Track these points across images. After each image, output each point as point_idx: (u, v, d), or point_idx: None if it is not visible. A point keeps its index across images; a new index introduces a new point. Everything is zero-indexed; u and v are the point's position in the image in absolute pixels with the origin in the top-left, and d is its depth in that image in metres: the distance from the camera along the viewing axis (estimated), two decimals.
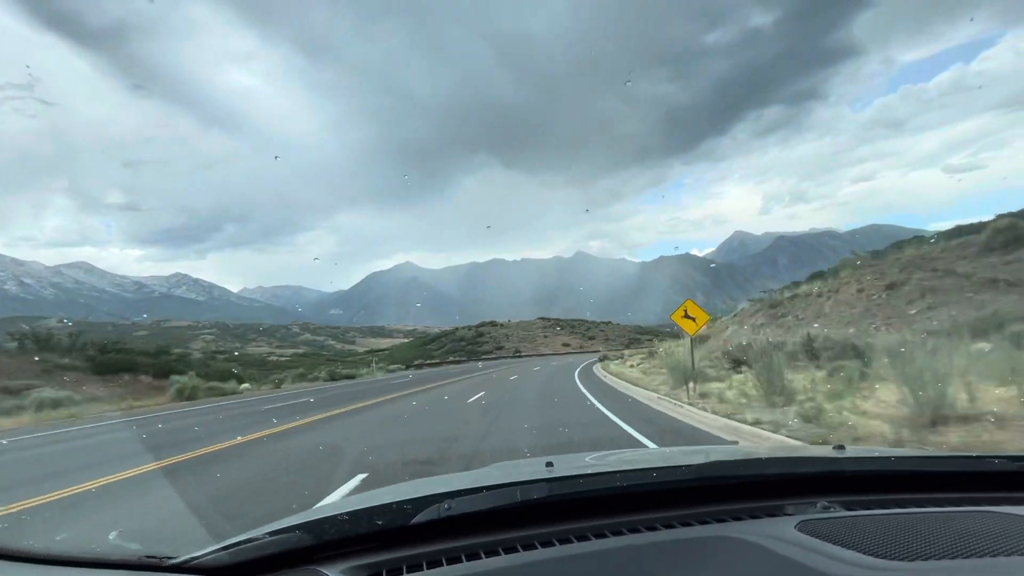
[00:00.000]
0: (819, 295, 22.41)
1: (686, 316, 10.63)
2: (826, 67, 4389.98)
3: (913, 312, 15.93)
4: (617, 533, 1.09)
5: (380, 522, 1.15)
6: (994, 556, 0.88)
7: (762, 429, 6.56)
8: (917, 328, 12.82)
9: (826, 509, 1.18)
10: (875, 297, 18.68)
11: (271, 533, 1.14)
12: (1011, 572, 0.84)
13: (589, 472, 1.37)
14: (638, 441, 6.98)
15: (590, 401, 12.08)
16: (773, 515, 1.17)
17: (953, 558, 0.88)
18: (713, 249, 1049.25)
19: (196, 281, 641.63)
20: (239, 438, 8.89)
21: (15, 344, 27.93)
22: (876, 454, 1.71)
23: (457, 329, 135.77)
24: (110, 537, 3.79)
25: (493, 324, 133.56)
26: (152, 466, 6.70)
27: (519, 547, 1.06)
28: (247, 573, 1.10)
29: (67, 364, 24.26)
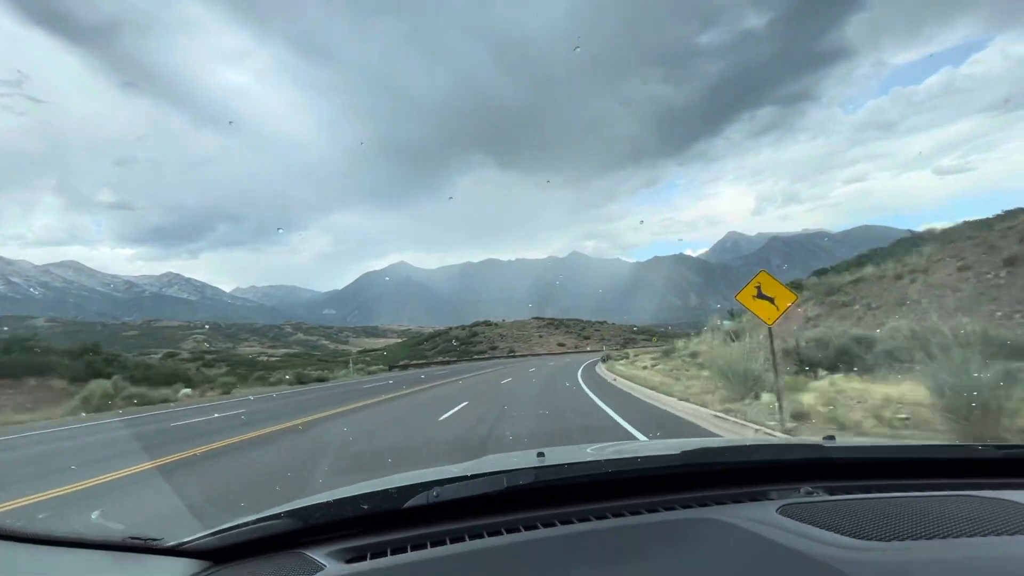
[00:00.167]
0: (897, 277, 18.33)
1: (759, 296, 7.32)
2: (819, 69, 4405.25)
3: None
4: (601, 517, 1.12)
5: (366, 507, 1.16)
6: (971, 536, 0.89)
7: None
8: None
9: (809, 494, 1.20)
10: (989, 276, 14.93)
11: (258, 519, 1.15)
12: (988, 552, 0.86)
13: (576, 460, 1.39)
14: None
15: (613, 419, 8.91)
16: (756, 500, 1.18)
17: (930, 538, 0.89)
18: (707, 249, 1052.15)
19: (188, 280, 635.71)
20: None
21: None
22: (863, 443, 1.73)
23: (451, 329, 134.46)
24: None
25: (487, 324, 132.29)
26: None
27: (503, 530, 1.08)
28: (233, 557, 1.11)
29: None
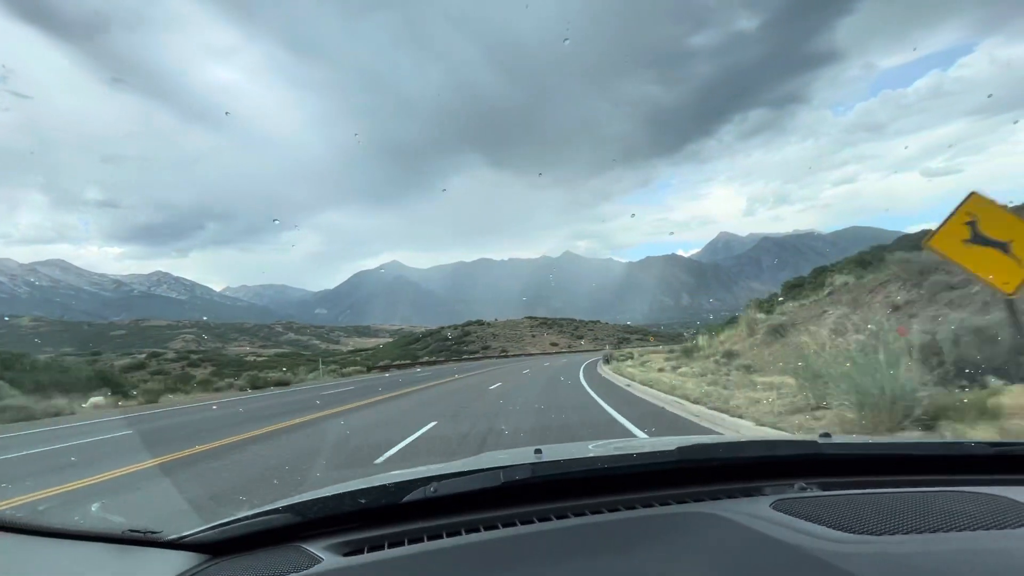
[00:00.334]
0: None
1: (977, 241, 4.44)
2: (809, 71, 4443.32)
3: None
4: (597, 512, 1.13)
5: (364, 501, 1.18)
6: (962, 531, 0.90)
7: None
8: None
9: (803, 490, 1.21)
10: None
11: (257, 513, 1.17)
12: (980, 545, 0.87)
13: (572, 456, 1.41)
14: None
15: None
16: (750, 495, 1.20)
17: (922, 532, 0.90)
18: (699, 250, 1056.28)
19: (177, 280, 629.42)
20: None
21: None
22: (857, 440, 1.75)
23: (443, 328, 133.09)
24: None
25: (480, 323, 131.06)
26: None
27: (499, 525, 1.09)
28: (231, 550, 1.12)
29: None
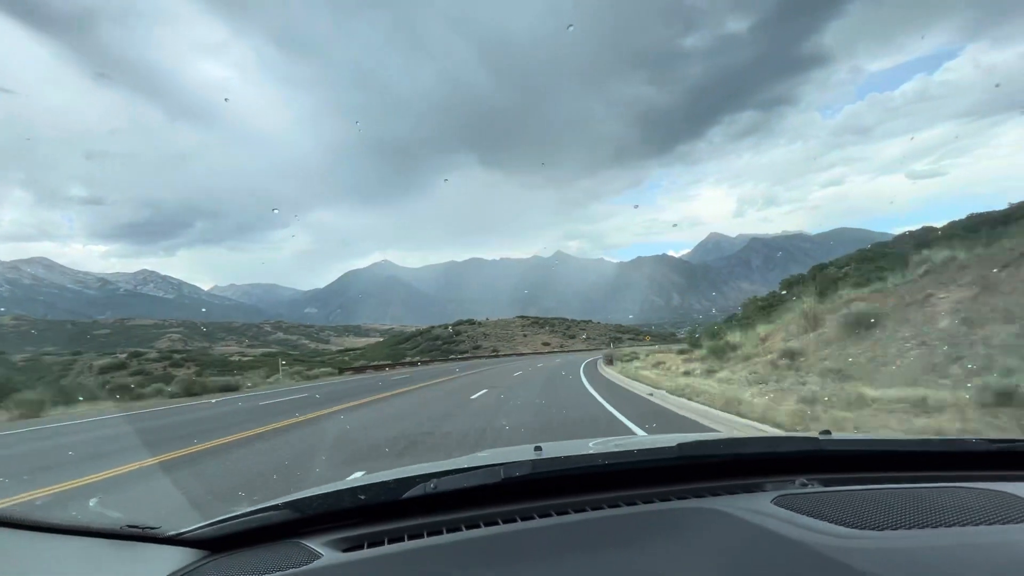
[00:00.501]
0: None
1: None
2: (798, 73, 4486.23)
3: None
4: (597, 508, 1.14)
5: (364, 498, 1.18)
6: (963, 525, 0.90)
7: None
8: None
9: (804, 486, 1.21)
10: None
11: (257, 510, 1.17)
12: (981, 539, 0.87)
13: (572, 453, 1.41)
14: None
15: None
16: (751, 491, 1.20)
17: (923, 527, 0.90)
18: (689, 250, 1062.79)
19: (164, 278, 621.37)
20: None
21: None
22: (858, 437, 1.75)
23: (433, 328, 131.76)
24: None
25: (471, 323, 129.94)
26: None
27: (500, 521, 1.10)
28: (230, 546, 1.12)
29: None
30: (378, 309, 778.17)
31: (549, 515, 1.11)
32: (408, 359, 67.72)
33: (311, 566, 0.97)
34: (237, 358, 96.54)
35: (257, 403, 16.29)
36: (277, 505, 1.17)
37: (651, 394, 11.44)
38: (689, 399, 9.43)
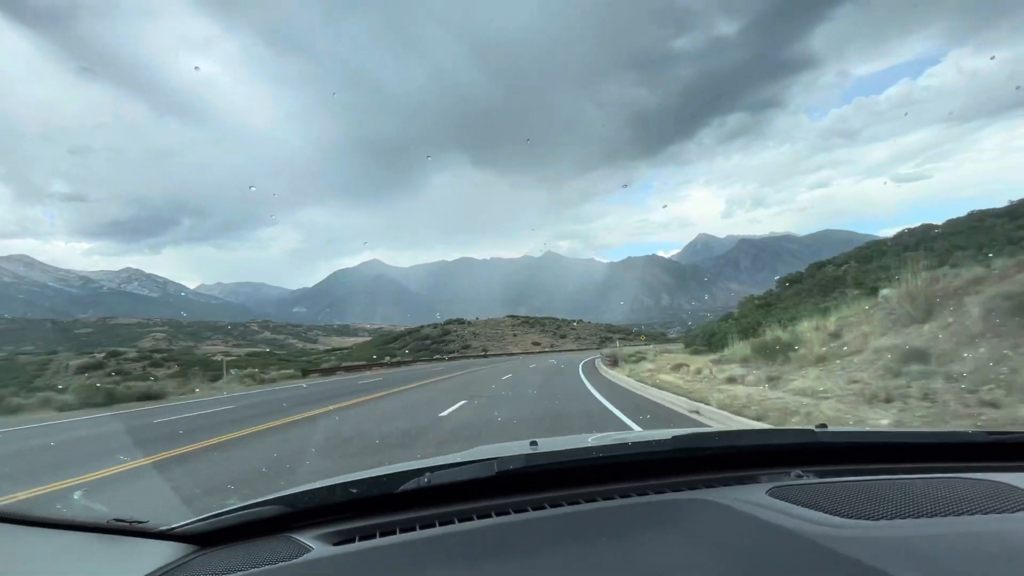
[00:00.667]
0: None
1: None
2: (786, 76, 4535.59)
3: None
4: (591, 500, 1.14)
5: (356, 491, 1.17)
6: (959, 515, 0.90)
7: None
8: None
9: (799, 477, 1.21)
10: None
11: (247, 505, 1.17)
12: (977, 528, 0.87)
13: (567, 447, 1.40)
14: None
15: None
16: (746, 483, 1.20)
17: (918, 517, 0.90)
18: (678, 251, 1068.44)
19: (149, 277, 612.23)
20: None
21: None
22: (854, 429, 1.70)
23: (422, 327, 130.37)
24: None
25: (460, 322, 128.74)
26: None
27: (493, 514, 1.09)
28: (220, 541, 1.12)
29: None
30: (367, 308, 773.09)
31: (543, 508, 1.10)
32: (388, 360, 60.06)
33: (300, 559, 0.96)
34: (220, 358, 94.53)
35: (151, 420, 12.40)
36: (268, 500, 1.16)
37: (696, 412, 8.73)
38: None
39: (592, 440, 1.58)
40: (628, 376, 16.22)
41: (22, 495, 6.02)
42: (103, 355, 76.88)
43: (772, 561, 0.81)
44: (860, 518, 0.90)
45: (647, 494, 1.16)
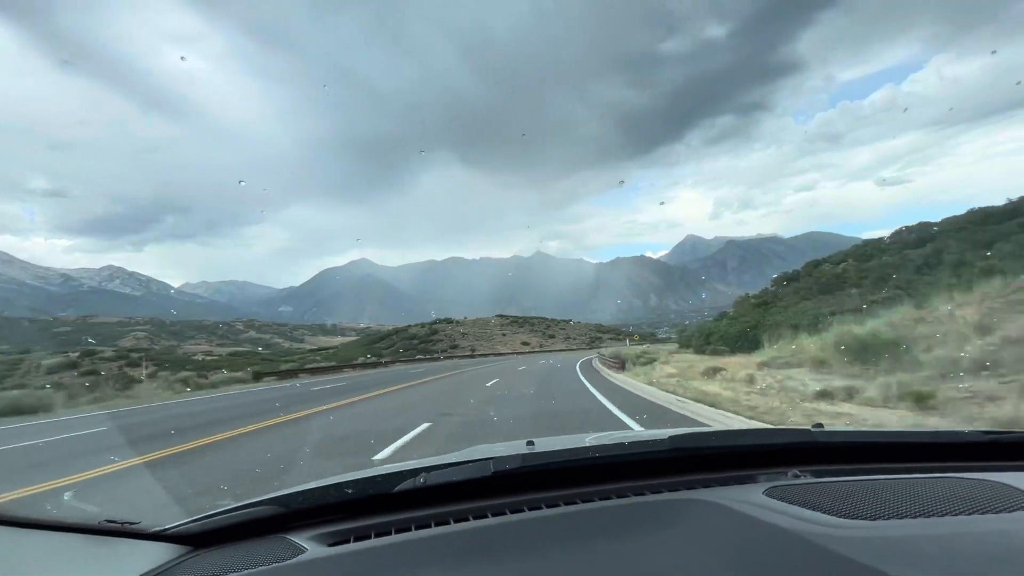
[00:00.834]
0: None
1: None
2: (773, 80, 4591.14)
3: None
4: (588, 501, 1.14)
5: (351, 492, 1.17)
6: (957, 515, 0.90)
7: None
8: None
9: (796, 477, 1.22)
10: None
11: (241, 506, 1.16)
12: (974, 528, 0.87)
13: (564, 447, 1.40)
14: None
15: None
16: (743, 483, 1.20)
17: (916, 517, 0.90)
18: (667, 252, 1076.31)
19: (132, 275, 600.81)
20: None
21: None
22: (851, 429, 1.74)
23: (409, 327, 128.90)
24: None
25: (448, 321, 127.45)
26: None
27: (489, 514, 1.09)
28: (214, 542, 1.11)
29: None
30: (355, 308, 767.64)
31: (539, 508, 1.10)
32: (362, 361, 54.52)
33: (294, 560, 0.96)
34: (201, 357, 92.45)
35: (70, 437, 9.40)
36: (262, 501, 1.15)
37: None
38: None
39: (589, 440, 1.57)
40: (648, 384, 12.88)
41: None
42: (77, 354, 74.70)
43: (770, 561, 0.81)
44: (858, 518, 0.90)
45: (644, 494, 1.15)
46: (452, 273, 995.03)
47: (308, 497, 1.16)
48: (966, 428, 1.33)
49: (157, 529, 1.12)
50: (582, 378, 16.98)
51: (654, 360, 20.99)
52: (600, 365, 23.57)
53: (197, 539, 1.11)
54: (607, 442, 1.45)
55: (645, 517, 1.03)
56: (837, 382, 9.30)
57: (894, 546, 0.80)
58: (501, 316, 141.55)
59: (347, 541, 1.02)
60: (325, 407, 12.06)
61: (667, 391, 10.94)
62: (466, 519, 1.07)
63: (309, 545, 1.01)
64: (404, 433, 7.50)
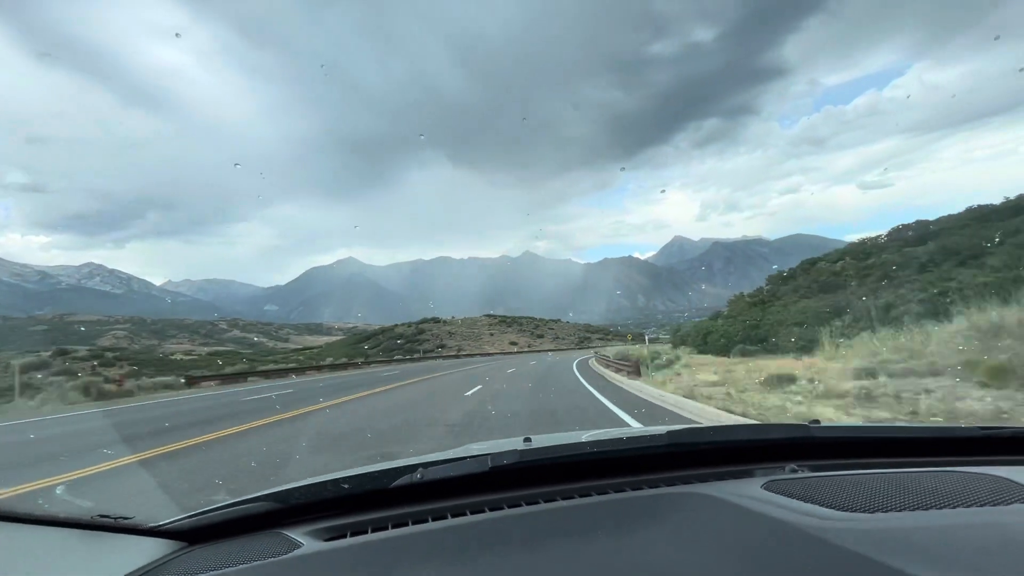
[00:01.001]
0: None
1: None
2: (760, 84, 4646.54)
3: None
4: (585, 496, 1.14)
5: (348, 487, 1.17)
6: (954, 507, 0.91)
7: None
8: None
9: (794, 472, 1.22)
10: None
11: (237, 501, 1.17)
12: (971, 520, 0.87)
13: (562, 443, 1.41)
14: None
15: None
16: (741, 478, 1.21)
17: (914, 510, 0.91)
18: (654, 253, 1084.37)
19: (112, 272, 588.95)
20: None
21: None
22: (848, 424, 1.73)
23: (396, 326, 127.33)
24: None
25: (436, 321, 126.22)
26: None
27: (486, 509, 1.09)
28: (209, 537, 1.11)
29: None
30: (342, 307, 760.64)
31: (536, 503, 1.10)
32: (331, 362, 46.51)
33: (290, 555, 0.95)
34: (179, 357, 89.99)
35: None
36: (257, 496, 1.15)
37: None
38: None
39: (587, 437, 1.56)
40: (687, 398, 9.80)
41: None
42: (48, 353, 72.09)
43: (766, 552, 0.82)
44: (855, 511, 0.91)
45: (641, 489, 1.16)
46: (440, 273, 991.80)
47: (304, 493, 1.16)
48: (963, 424, 1.23)
49: (151, 525, 1.11)
50: (588, 387, 14.08)
51: (673, 363, 17.84)
52: (603, 368, 20.55)
53: (191, 535, 1.11)
54: (605, 438, 1.44)
55: (642, 511, 1.03)
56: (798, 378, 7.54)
57: (891, 537, 0.81)
58: (489, 316, 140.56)
59: (343, 536, 1.02)
60: (238, 428, 8.63)
61: (719, 409, 8.02)
62: (463, 514, 1.07)
63: (305, 540, 1.01)
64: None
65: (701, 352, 22.88)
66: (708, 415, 7.98)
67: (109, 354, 76.33)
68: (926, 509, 0.90)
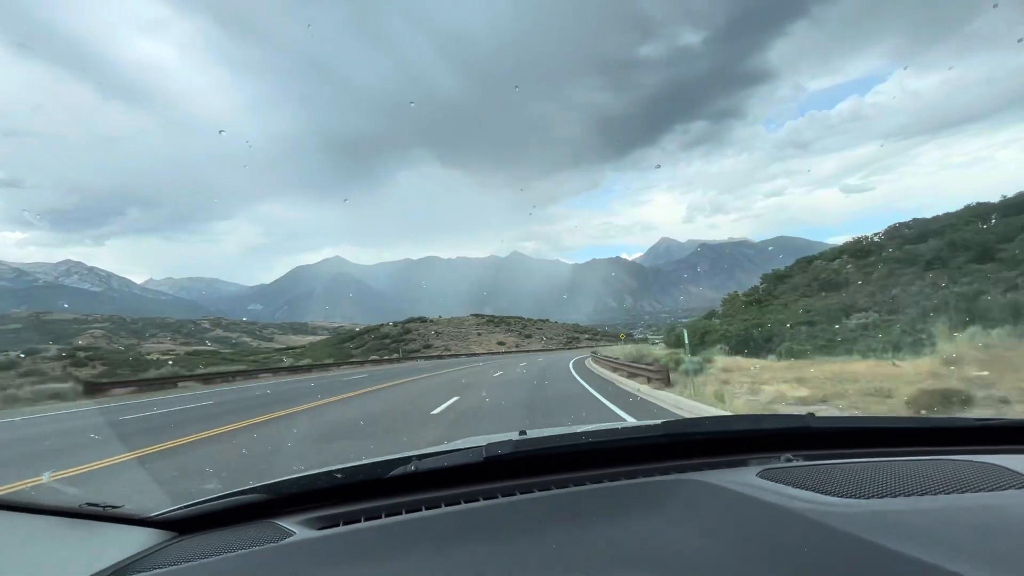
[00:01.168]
0: None
1: None
2: (746, 87, 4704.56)
3: None
4: (580, 485, 1.14)
5: (341, 477, 1.17)
6: (950, 494, 0.92)
7: None
8: None
9: (789, 461, 1.23)
10: None
11: (229, 493, 1.16)
12: (967, 504, 0.88)
13: (557, 434, 1.42)
14: None
15: None
16: (736, 467, 1.22)
17: (908, 495, 0.91)
18: (641, 254, 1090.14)
19: (91, 270, 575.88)
20: None
21: None
22: (844, 415, 1.76)
23: (382, 325, 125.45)
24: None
25: (422, 320, 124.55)
26: None
27: (481, 498, 1.10)
28: (200, 528, 1.11)
29: None
30: (329, 307, 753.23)
31: (531, 492, 1.11)
32: (288, 365, 38.34)
33: (281, 543, 0.95)
34: (155, 356, 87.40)
35: None
36: (250, 488, 1.15)
37: None
38: None
39: (582, 429, 1.57)
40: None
41: None
42: (17, 353, 69.37)
43: (761, 535, 0.82)
44: (850, 497, 0.92)
45: (637, 477, 1.16)
46: (428, 272, 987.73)
47: (297, 484, 1.15)
48: (959, 415, 1.27)
49: (141, 515, 1.10)
50: (602, 399, 10.67)
51: (707, 365, 14.49)
52: (610, 373, 17.00)
53: (182, 525, 1.10)
54: (600, 430, 1.45)
55: (637, 498, 1.04)
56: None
57: (887, 520, 0.82)
58: (477, 315, 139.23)
59: (336, 525, 1.02)
60: (173, 442, 7.05)
61: None
62: (457, 503, 1.07)
63: (297, 529, 1.01)
64: None
65: (699, 352, 20.53)
66: None
67: (80, 353, 73.86)
68: (922, 495, 0.91)
